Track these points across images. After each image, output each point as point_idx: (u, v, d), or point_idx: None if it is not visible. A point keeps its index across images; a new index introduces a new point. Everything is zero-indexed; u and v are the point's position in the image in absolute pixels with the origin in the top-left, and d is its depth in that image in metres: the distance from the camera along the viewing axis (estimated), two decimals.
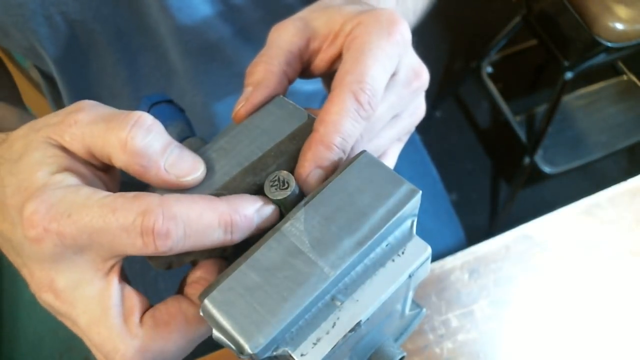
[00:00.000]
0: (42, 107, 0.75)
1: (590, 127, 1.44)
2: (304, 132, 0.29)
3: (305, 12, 0.33)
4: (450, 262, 0.52)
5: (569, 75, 1.17)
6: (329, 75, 0.35)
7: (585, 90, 1.48)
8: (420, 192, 0.26)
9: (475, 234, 1.01)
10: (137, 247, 0.23)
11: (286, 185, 0.26)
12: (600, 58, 1.13)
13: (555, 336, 0.49)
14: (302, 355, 0.23)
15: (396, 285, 0.26)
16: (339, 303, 0.24)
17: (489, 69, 1.51)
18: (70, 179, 0.25)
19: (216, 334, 0.24)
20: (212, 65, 0.52)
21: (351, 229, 0.25)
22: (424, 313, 0.38)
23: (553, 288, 0.51)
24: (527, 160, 1.35)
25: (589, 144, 1.42)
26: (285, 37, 0.32)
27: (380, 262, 0.26)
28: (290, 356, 0.23)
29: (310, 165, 0.27)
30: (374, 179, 0.26)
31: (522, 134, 1.42)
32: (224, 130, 0.30)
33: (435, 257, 0.52)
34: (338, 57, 0.32)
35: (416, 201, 0.26)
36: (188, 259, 0.27)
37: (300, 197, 0.27)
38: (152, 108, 0.33)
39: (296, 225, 0.25)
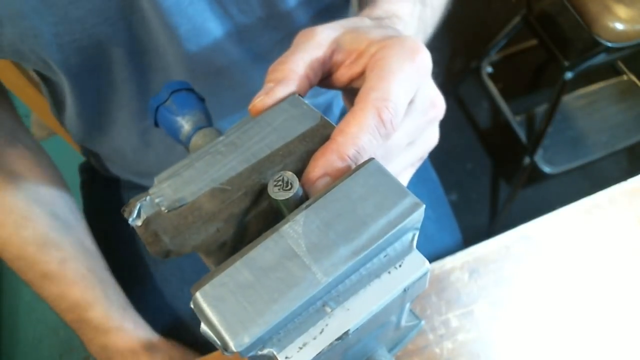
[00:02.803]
0: (43, 108, 0.75)
1: (590, 127, 1.44)
2: (315, 133, 0.29)
3: (334, 24, 0.34)
4: (450, 262, 0.52)
5: (569, 75, 1.17)
6: (347, 90, 0.35)
7: (585, 90, 1.48)
8: (424, 206, 0.26)
9: (475, 234, 1.01)
10: None
11: (289, 186, 0.26)
12: (600, 58, 1.13)
13: (555, 336, 0.49)
14: (286, 358, 0.23)
15: (389, 298, 0.25)
16: (329, 310, 0.24)
17: (489, 69, 1.50)
18: None
19: (204, 327, 0.24)
20: (219, 89, 0.53)
21: (349, 237, 0.25)
22: (422, 325, 0.38)
23: (553, 288, 0.51)
24: (527, 160, 1.35)
25: (589, 144, 1.42)
26: (312, 42, 0.32)
27: (375, 273, 0.25)
28: (275, 357, 0.23)
29: (320, 171, 0.27)
30: (379, 189, 0.26)
31: (522, 134, 1.42)
32: (237, 124, 0.31)
33: (435, 260, 0.52)
34: (359, 76, 0.33)
35: (419, 215, 0.26)
36: (186, 250, 0.27)
37: (303, 199, 0.27)
38: (172, 95, 0.33)
39: (295, 227, 0.25)
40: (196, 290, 0.24)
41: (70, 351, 1.30)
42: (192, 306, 0.24)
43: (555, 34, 1.17)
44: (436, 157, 0.81)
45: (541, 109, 1.45)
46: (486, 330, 0.49)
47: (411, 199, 0.25)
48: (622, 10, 1.04)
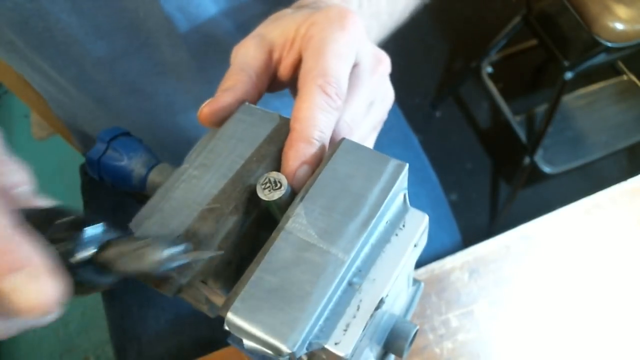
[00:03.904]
0: (43, 108, 0.75)
1: (590, 127, 1.44)
2: (280, 132, 0.30)
3: (260, 28, 0.35)
4: (450, 262, 0.52)
5: (569, 75, 1.17)
6: (293, 84, 0.35)
7: (585, 90, 1.48)
8: (407, 165, 0.27)
9: (475, 233, 1.01)
10: None
11: (279, 185, 0.27)
12: (600, 58, 1.13)
13: (555, 336, 0.49)
14: (335, 344, 0.23)
15: (405, 258, 0.26)
16: (357, 286, 0.25)
17: (489, 69, 1.50)
18: None
19: (248, 343, 0.23)
20: (209, 59, 0.52)
21: (352, 212, 0.25)
22: (423, 286, 0.39)
23: (553, 288, 0.51)
24: (527, 160, 1.35)
25: (589, 144, 1.42)
26: (249, 54, 0.33)
27: (385, 239, 0.27)
28: (324, 348, 0.23)
29: (295, 162, 0.28)
30: (361, 162, 0.27)
31: (522, 134, 1.42)
32: (194, 148, 0.30)
33: (434, 260, 0.52)
34: (299, 62, 0.33)
35: (404, 175, 0.27)
36: (196, 279, 0.27)
37: (292, 195, 0.27)
38: (111, 142, 0.32)
39: (298, 220, 0.25)
40: (226, 312, 0.23)
41: (70, 351, 1.30)
42: (226, 328, 0.23)
43: (555, 34, 1.17)
44: (436, 157, 0.81)
45: (541, 109, 1.45)
46: (486, 330, 0.49)
47: (394, 162, 0.27)
48: (622, 10, 1.04)
